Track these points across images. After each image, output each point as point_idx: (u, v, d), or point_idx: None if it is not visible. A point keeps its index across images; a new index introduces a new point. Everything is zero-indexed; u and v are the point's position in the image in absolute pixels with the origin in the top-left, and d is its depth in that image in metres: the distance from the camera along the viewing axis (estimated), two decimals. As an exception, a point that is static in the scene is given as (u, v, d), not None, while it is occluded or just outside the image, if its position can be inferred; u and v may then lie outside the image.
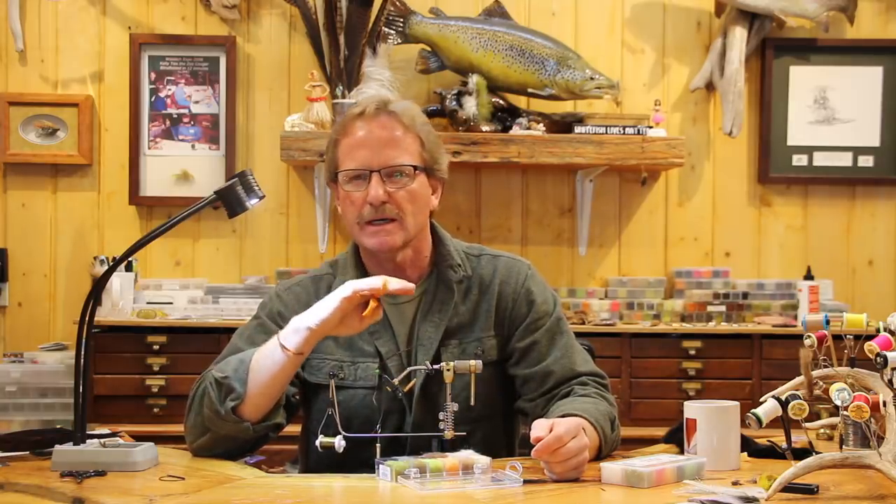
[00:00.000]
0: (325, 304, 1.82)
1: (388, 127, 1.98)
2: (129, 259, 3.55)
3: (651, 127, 3.81)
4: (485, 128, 3.75)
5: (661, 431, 2.14)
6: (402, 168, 1.97)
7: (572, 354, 2.05)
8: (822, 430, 2.08)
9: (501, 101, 3.88)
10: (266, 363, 1.85)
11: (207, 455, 1.91)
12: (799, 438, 1.76)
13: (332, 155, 2.03)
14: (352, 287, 1.79)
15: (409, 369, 1.90)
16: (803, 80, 4.10)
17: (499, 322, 2.04)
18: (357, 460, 1.86)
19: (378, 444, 1.81)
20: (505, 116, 3.86)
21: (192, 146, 4.03)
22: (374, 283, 1.80)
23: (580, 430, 1.73)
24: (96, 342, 3.53)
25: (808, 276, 3.91)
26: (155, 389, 3.58)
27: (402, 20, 3.89)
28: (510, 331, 2.05)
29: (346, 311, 1.80)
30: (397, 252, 1.99)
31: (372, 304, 1.80)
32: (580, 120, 3.82)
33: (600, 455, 1.88)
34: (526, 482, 1.67)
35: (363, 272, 2.04)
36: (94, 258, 3.88)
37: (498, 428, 2.06)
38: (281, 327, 1.92)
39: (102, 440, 1.86)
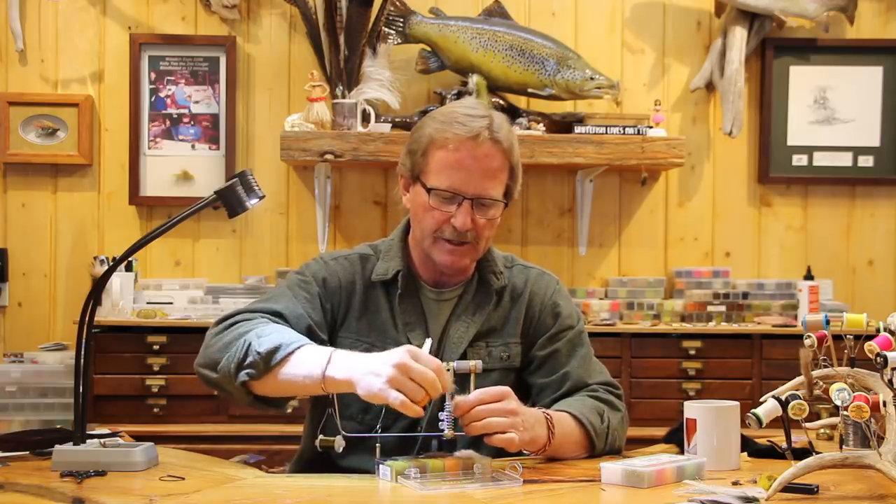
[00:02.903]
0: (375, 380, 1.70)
1: (490, 156, 1.95)
2: (129, 259, 3.55)
3: (651, 127, 3.81)
4: (485, 128, 3.75)
5: (661, 431, 2.15)
6: (493, 201, 1.98)
7: (589, 366, 2.09)
8: (822, 430, 2.08)
9: (501, 101, 3.88)
10: (301, 367, 1.78)
11: (204, 382, 1.92)
12: (799, 438, 1.75)
13: (422, 157, 1.98)
14: (399, 401, 1.66)
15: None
16: (803, 80, 4.10)
17: (525, 330, 2.08)
18: (364, 445, 1.87)
19: (378, 444, 1.81)
20: (505, 116, 3.86)
21: (192, 146, 4.03)
22: (415, 410, 1.68)
23: (504, 394, 1.79)
24: (96, 342, 3.53)
25: (808, 276, 3.91)
26: (155, 389, 3.58)
27: (402, 20, 3.89)
28: (533, 339, 2.08)
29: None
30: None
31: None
32: (580, 120, 3.82)
33: (594, 447, 1.92)
34: (526, 482, 1.67)
35: (408, 262, 2.06)
36: (94, 258, 3.88)
37: None
38: (321, 291, 1.98)
39: (102, 440, 1.86)
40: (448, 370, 1.81)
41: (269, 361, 1.79)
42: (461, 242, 1.97)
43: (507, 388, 1.82)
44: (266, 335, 1.83)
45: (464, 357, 1.99)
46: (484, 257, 2.08)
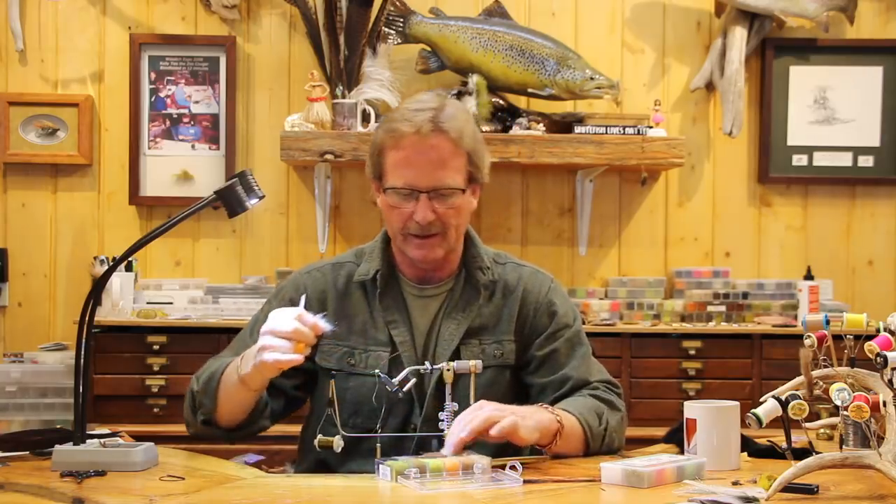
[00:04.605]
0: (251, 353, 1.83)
1: (438, 147, 1.96)
2: (129, 259, 3.55)
3: (651, 127, 3.81)
4: (485, 128, 3.75)
5: (661, 431, 2.15)
6: (451, 190, 1.98)
7: (589, 364, 2.09)
8: (822, 430, 2.08)
9: (501, 101, 3.88)
10: (232, 380, 1.90)
11: (194, 434, 2.03)
12: (799, 438, 1.76)
13: (378, 160, 2.02)
14: (272, 358, 1.75)
15: (408, 369, 1.91)
16: (803, 80, 4.10)
17: (519, 328, 2.07)
18: (359, 449, 1.90)
19: (378, 444, 1.81)
20: (505, 116, 3.86)
21: (192, 146, 4.03)
22: (287, 348, 1.76)
23: (482, 405, 1.80)
24: (96, 342, 3.53)
25: (808, 276, 3.91)
26: (155, 389, 3.58)
27: (402, 20, 3.89)
28: (529, 339, 2.08)
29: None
30: (436, 262, 2.04)
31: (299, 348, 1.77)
32: (580, 120, 3.82)
33: (589, 446, 1.93)
34: (526, 482, 1.67)
35: (390, 262, 2.08)
36: (94, 258, 3.88)
37: None
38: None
39: (102, 440, 1.87)
40: (448, 370, 1.82)
41: (207, 392, 1.92)
42: (429, 235, 1.99)
43: (480, 401, 1.83)
44: (203, 372, 1.97)
45: (456, 353, 2.00)
46: (469, 253, 2.09)
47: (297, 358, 1.75)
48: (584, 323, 3.62)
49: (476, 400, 1.85)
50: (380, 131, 2.03)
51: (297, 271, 2.16)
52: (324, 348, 2.03)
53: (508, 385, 2.05)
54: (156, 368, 3.59)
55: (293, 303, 2.01)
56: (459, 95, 3.77)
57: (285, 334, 1.75)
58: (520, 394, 2.08)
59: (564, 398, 2.02)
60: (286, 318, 1.76)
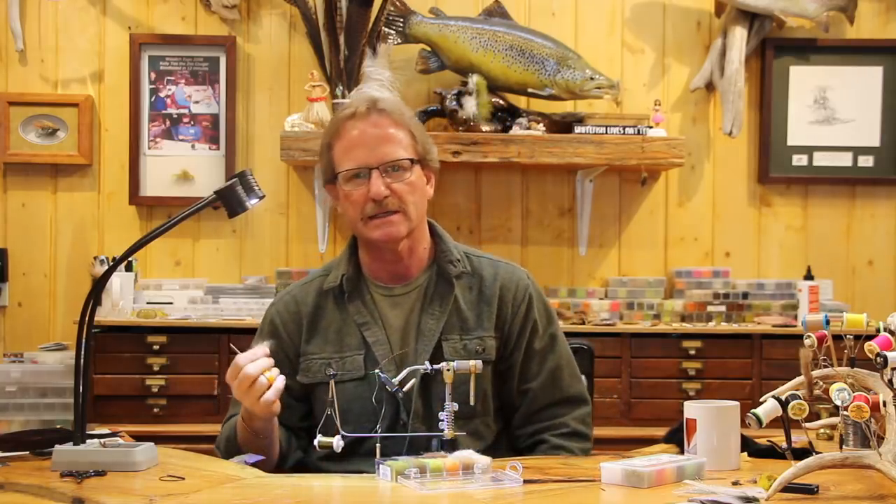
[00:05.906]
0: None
1: (380, 124, 2.02)
2: (129, 259, 3.55)
3: (651, 127, 3.81)
4: (485, 128, 3.75)
5: (661, 431, 2.15)
6: (399, 162, 2.02)
7: (559, 378, 2.11)
8: (822, 430, 2.08)
9: (501, 101, 3.88)
10: (246, 436, 1.95)
11: None
12: (799, 438, 1.75)
13: (327, 158, 2.06)
14: (264, 401, 1.84)
15: (409, 369, 1.91)
16: (803, 80, 4.10)
17: (499, 326, 2.08)
18: (356, 454, 1.92)
19: (378, 444, 1.81)
20: (505, 116, 3.86)
21: (192, 146, 4.03)
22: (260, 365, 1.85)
23: None
24: (96, 342, 3.53)
25: (808, 276, 3.91)
26: (155, 389, 3.58)
27: (402, 20, 3.89)
28: (508, 339, 2.08)
29: (251, 399, 1.86)
30: (401, 242, 2.04)
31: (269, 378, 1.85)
32: (580, 120, 3.82)
33: None
34: (526, 482, 1.67)
35: (357, 266, 2.10)
36: (94, 258, 3.88)
37: (488, 421, 2.08)
38: (275, 345, 2.01)
39: (102, 440, 1.86)
40: (448, 370, 1.82)
41: (231, 455, 1.95)
42: (387, 213, 2.00)
43: None
44: (221, 441, 2.05)
45: (439, 349, 2.01)
46: (439, 248, 2.10)
47: (278, 385, 1.83)
48: (582, 322, 3.68)
49: (475, 398, 1.86)
50: (325, 133, 2.09)
51: (275, 302, 2.18)
52: (303, 366, 2.06)
53: (490, 381, 2.07)
54: (156, 368, 3.59)
55: (274, 334, 2.08)
56: (459, 95, 3.78)
57: (251, 378, 1.82)
58: (502, 392, 2.09)
59: (537, 414, 2.07)
60: (238, 371, 1.83)
